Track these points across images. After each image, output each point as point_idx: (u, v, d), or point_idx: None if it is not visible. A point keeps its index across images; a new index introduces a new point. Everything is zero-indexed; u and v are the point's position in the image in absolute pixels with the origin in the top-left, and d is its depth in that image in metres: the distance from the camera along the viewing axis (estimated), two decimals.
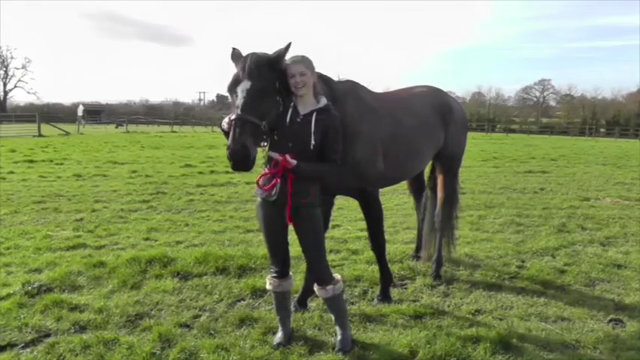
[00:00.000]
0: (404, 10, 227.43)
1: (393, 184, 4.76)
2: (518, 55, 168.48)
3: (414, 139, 4.47)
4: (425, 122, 4.66)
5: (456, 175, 5.29)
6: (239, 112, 3.14)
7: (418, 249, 5.68)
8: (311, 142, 3.30)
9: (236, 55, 3.38)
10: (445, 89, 5.29)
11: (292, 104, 3.37)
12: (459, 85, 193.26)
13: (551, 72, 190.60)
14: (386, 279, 4.48)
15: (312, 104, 3.40)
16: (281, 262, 3.58)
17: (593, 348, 3.65)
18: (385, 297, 4.44)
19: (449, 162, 5.15)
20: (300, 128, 3.32)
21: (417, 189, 5.66)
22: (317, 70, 3.47)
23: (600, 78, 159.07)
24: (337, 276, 3.60)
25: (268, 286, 3.64)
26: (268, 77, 3.24)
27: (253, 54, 3.29)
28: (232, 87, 3.27)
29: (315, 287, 3.59)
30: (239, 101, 3.17)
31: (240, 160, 3.09)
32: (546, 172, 14.91)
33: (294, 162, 3.22)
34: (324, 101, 3.43)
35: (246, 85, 3.19)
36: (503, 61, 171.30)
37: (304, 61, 3.35)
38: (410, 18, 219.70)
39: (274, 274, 3.59)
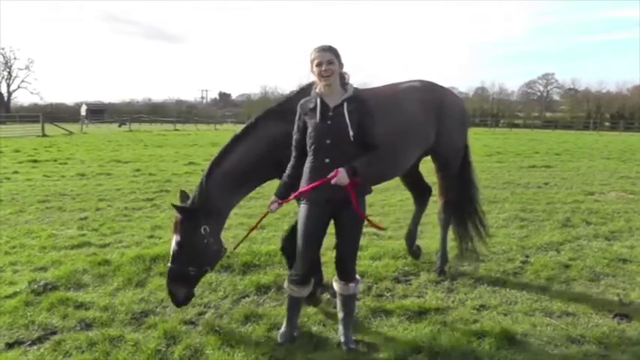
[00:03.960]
0: (403, 8, 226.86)
1: (375, 183, 4.43)
2: (522, 49, 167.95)
3: (399, 138, 4.31)
4: (412, 120, 4.48)
5: (454, 172, 5.03)
6: (168, 264, 3.78)
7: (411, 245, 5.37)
8: (350, 134, 3.21)
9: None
10: (448, 85, 5.22)
11: (319, 99, 3.30)
12: (461, 80, 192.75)
13: (554, 66, 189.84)
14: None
15: (341, 95, 3.31)
16: (307, 266, 3.48)
17: (598, 343, 3.64)
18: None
19: (444, 159, 4.97)
20: (334, 122, 3.24)
21: (412, 182, 5.41)
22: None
23: (605, 71, 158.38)
24: (358, 276, 3.60)
25: (285, 287, 3.60)
26: (190, 232, 3.69)
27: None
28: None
29: (338, 283, 3.53)
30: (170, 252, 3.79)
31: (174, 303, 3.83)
32: (550, 166, 14.87)
33: (344, 178, 3.14)
34: (351, 89, 3.35)
35: (174, 238, 3.75)
36: (506, 56, 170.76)
37: (332, 50, 3.29)
38: (411, 16, 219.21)
39: (295, 277, 3.50)
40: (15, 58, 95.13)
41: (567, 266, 5.29)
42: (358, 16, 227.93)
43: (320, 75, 3.27)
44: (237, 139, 3.90)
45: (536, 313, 4.14)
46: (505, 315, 4.11)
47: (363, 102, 3.33)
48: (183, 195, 3.91)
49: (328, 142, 3.24)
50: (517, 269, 5.20)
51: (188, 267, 3.71)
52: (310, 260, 3.49)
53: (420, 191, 5.44)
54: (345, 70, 3.40)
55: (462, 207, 5.12)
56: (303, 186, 3.35)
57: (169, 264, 3.77)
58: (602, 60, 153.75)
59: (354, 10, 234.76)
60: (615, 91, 76.68)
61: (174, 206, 3.72)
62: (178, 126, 50.02)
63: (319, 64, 3.25)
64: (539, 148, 22.13)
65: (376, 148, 3.35)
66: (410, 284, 4.79)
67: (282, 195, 3.48)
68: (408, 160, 4.65)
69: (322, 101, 3.30)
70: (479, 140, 27.52)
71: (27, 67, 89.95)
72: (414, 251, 5.34)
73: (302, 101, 3.43)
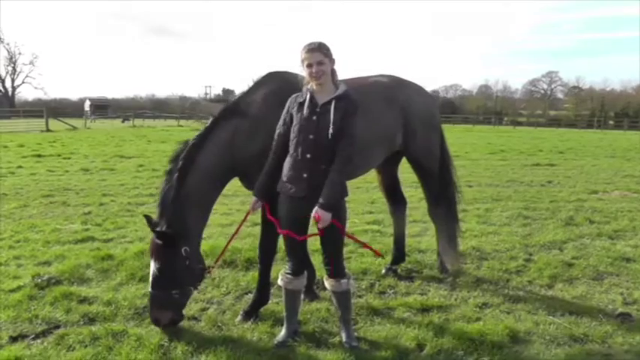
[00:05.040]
0: (407, 6, 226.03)
1: None
2: (526, 47, 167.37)
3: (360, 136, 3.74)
4: (375, 118, 4.21)
5: (432, 173, 4.80)
6: (149, 289, 3.61)
7: (395, 260, 5.06)
8: (329, 132, 3.20)
9: None
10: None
11: (309, 95, 3.29)
12: (465, 78, 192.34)
13: (558, 64, 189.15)
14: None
15: (332, 92, 3.29)
16: (297, 259, 3.52)
17: (601, 342, 3.64)
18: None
19: (417, 161, 4.74)
20: (320, 119, 3.23)
21: (388, 186, 5.10)
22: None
23: (609, 70, 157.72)
24: (348, 272, 3.58)
25: (280, 282, 3.59)
26: (169, 255, 3.53)
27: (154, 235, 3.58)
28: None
29: (329, 281, 3.51)
30: (150, 278, 3.62)
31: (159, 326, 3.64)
32: (554, 164, 14.83)
33: (327, 218, 3.17)
34: (343, 88, 3.31)
35: (152, 264, 3.57)
36: (510, 54, 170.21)
37: (321, 49, 3.24)
38: (415, 15, 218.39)
39: (288, 271, 3.54)
40: (19, 54, 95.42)
41: (570, 265, 5.28)
42: (361, 14, 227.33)
43: (311, 76, 3.26)
44: (196, 148, 3.67)
45: (539, 311, 4.14)
46: (508, 313, 4.10)
47: (352, 102, 3.29)
48: (150, 220, 3.63)
49: (311, 137, 3.23)
50: (520, 267, 5.20)
51: (171, 291, 3.56)
52: (296, 251, 3.49)
53: (395, 201, 5.09)
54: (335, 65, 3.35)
55: (443, 207, 4.92)
56: (283, 179, 3.36)
57: (150, 290, 3.60)
58: (606, 58, 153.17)
59: (358, 8, 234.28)
60: (619, 90, 76.64)
61: (155, 231, 3.54)
62: (182, 122, 49.98)
63: (309, 66, 3.23)
64: (543, 146, 22.06)
65: (344, 157, 3.21)
66: (412, 282, 4.78)
67: (262, 194, 3.48)
68: (369, 160, 4.39)
69: (312, 97, 3.29)
70: (482, 138, 27.49)
71: (31, 63, 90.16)
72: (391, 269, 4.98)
73: (293, 96, 3.41)
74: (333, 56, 3.32)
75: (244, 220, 3.83)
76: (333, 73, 3.33)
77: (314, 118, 3.25)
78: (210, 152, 3.68)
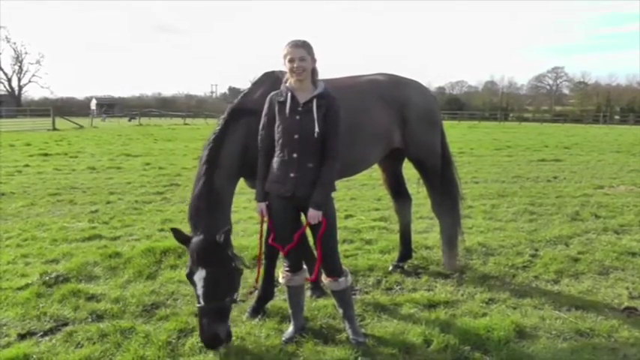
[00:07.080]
0: (413, 3, 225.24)
1: None
2: (532, 43, 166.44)
3: (351, 135, 3.94)
4: (369, 117, 4.22)
5: (434, 171, 4.78)
6: (201, 302, 3.31)
7: (402, 257, 5.08)
8: (315, 131, 3.23)
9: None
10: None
11: (290, 94, 3.30)
12: (471, 74, 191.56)
13: (564, 59, 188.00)
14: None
15: (311, 91, 3.32)
16: (293, 256, 3.53)
17: (607, 337, 3.63)
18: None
19: (418, 160, 4.73)
20: (303, 118, 3.25)
21: (392, 184, 5.09)
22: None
23: (615, 64, 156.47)
24: (345, 268, 3.59)
25: (281, 280, 3.61)
26: (220, 259, 3.36)
27: (197, 242, 3.37)
28: (190, 277, 3.38)
29: (326, 280, 3.52)
30: (199, 291, 3.32)
31: (216, 346, 3.32)
32: (560, 160, 14.79)
33: (317, 216, 3.25)
34: (322, 86, 3.34)
35: (201, 274, 3.32)
36: (515, 50, 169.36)
37: (305, 46, 3.28)
38: (419, 12, 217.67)
39: (287, 268, 3.56)
40: (26, 53, 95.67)
41: (576, 260, 5.27)
42: (364, 12, 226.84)
43: (292, 71, 3.27)
44: (216, 151, 3.62)
45: (545, 306, 4.14)
46: (514, 308, 4.10)
47: (333, 100, 3.31)
48: (179, 231, 3.45)
49: (296, 137, 3.25)
50: (526, 263, 5.19)
51: (225, 299, 3.38)
52: (291, 249, 3.48)
53: (400, 198, 5.06)
54: (317, 65, 3.37)
55: (445, 205, 4.90)
56: (271, 180, 3.36)
57: (202, 304, 3.30)
58: (612, 53, 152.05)
59: (362, 7, 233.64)
60: (625, 85, 75.98)
61: (222, 232, 3.32)
62: (188, 120, 50.06)
63: (291, 61, 3.25)
64: (549, 142, 21.99)
65: (333, 157, 3.27)
66: (419, 277, 4.79)
67: (264, 197, 3.48)
68: (364, 158, 4.38)
69: (293, 96, 3.30)
70: (488, 134, 27.39)
71: (38, 62, 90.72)
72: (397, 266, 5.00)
73: (272, 94, 3.41)
74: (315, 56, 3.34)
75: (261, 226, 3.75)
76: (314, 72, 3.35)
77: (297, 117, 3.26)
78: (229, 153, 3.68)
